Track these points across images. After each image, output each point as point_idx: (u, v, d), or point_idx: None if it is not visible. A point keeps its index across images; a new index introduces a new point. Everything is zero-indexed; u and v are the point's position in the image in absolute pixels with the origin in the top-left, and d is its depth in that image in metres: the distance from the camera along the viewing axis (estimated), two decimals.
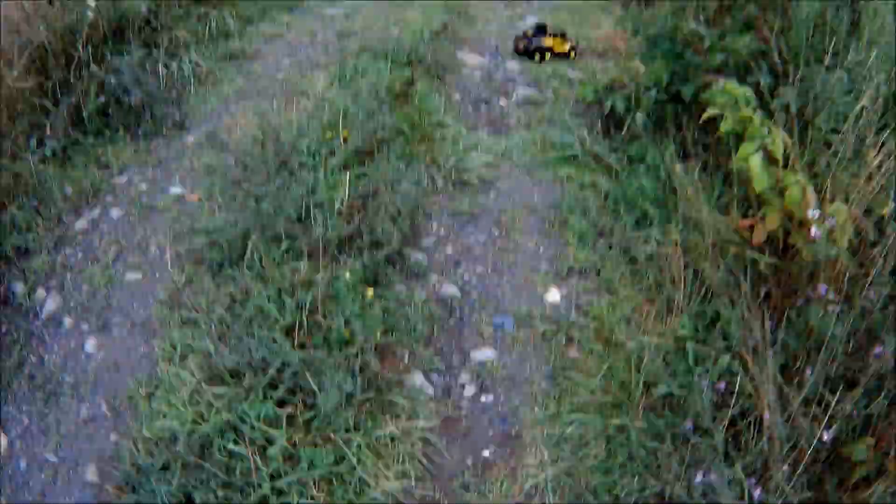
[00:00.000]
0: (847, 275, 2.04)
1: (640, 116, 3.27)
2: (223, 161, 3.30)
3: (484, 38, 4.99)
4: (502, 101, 4.00)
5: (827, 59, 2.73)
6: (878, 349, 1.87)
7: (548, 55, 4.58)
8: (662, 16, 3.94)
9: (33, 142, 3.39)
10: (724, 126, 2.39)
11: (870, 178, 2.20)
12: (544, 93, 4.09)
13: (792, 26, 3.07)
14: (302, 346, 2.25)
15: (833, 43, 2.78)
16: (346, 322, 2.30)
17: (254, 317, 2.35)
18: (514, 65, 4.51)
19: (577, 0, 5.87)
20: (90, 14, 3.96)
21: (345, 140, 3.22)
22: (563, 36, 4.67)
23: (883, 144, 2.26)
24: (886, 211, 2.16)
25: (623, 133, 3.37)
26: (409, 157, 3.26)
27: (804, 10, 3.03)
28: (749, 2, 3.33)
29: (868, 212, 2.19)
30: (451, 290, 2.65)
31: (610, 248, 2.77)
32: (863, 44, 2.85)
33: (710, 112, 2.46)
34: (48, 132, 3.45)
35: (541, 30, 4.70)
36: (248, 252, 2.59)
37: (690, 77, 3.18)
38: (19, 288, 2.71)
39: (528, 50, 4.63)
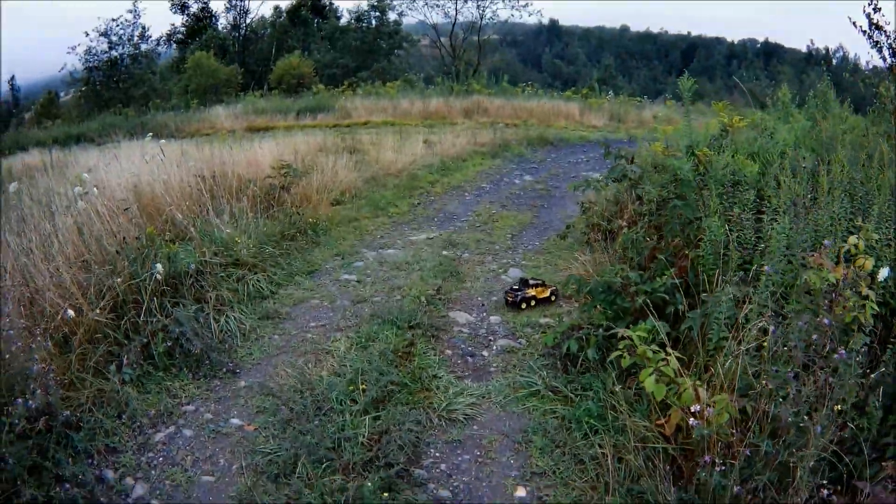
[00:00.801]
0: (729, 442, 2.95)
1: (590, 352, 4.31)
2: (272, 403, 4.25)
3: (472, 296, 6.13)
4: (485, 352, 5.01)
5: (729, 277, 3.78)
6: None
7: (533, 302, 5.74)
8: (604, 269, 5.13)
9: (113, 367, 4.27)
10: (625, 362, 3.42)
11: (745, 372, 3.17)
12: (519, 341, 5.14)
13: (703, 256, 4.19)
14: None
15: (737, 260, 3.90)
16: None
17: None
18: (496, 318, 5.59)
19: (551, 250, 7.36)
20: (158, 275, 5.07)
21: (363, 392, 4.22)
22: (543, 284, 5.86)
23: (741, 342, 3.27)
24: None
25: (578, 367, 4.38)
26: (412, 404, 4.22)
27: (710, 235, 4.15)
28: (675, 237, 4.52)
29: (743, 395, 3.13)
30: (444, 493, 3.50)
31: (563, 455, 3.69)
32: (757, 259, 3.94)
33: (615, 353, 3.50)
34: (125, 361, 4.36)
35: (524, 283, 5.88)
36: (299, 468, 3.53)
37: (623, 317, 4.27)
38: (110, 475, 3.61)
39: (517, 301, 5.73)
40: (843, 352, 2.88)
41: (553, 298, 5.84)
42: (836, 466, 2.86)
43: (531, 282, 5.88)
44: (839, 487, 2.81)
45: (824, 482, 2.73)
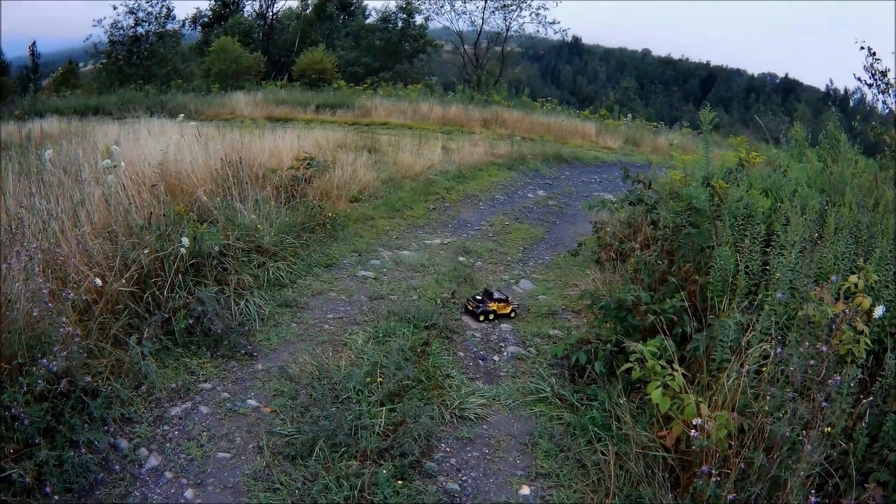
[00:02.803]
0: (725, 455, 3.15)
1: (598, 365, 4.49)
2: (291, 388, 4.42)
3: None
4: (495, 357, 5.20)
5: (736, 303, 3.97)
6: None
7: (492, 316, 5.88)
8: (614, 287, 5.33)
9: (133, 339, 4.38)
10: (635, 374, 3.62)
11: (745, 392, 3.37)
12: (528, 349, 5.33)
13: (712, 282, 4.39)
14: None
15: (744, 288, 4.11)
16: (384, 499, 3.40)
17: (321, 490, 3.44)
18: (506, 326, 5.79)
19: (561, 265, 7.54)
20: (184, 249, 5.21)
21: (380, 384, 4.40)
22: (507, 301, 6.00)
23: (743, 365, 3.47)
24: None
25: (584, 378, 4.58)
26: (426, 400, 4.41)
27: (721, 263, 4.36)
28: (686, 262, 4.72)
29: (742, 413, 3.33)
30: (453, 486, 3.69)
31: (567, 459, 3.89)
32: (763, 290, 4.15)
33: (626, 365, 3.70)
34: (145, 335, 4.49)
35: (489, 295, 5.99)
36: (316, 451, 3.71)
37: (632, 334, 4.46)
38: (124, 444, 3.77)
39: (476, 312, 5.86)
40: (838, 377, 3.08)
41: (513, 315, 6.00)
42: (823, 486, 3.06)
43: (496, 296, 5.99)
44: (827, 502, 3.02)
45: (812, 491, 2.92)
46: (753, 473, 3.06)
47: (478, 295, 6.08)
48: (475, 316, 5.87)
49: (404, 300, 6.07)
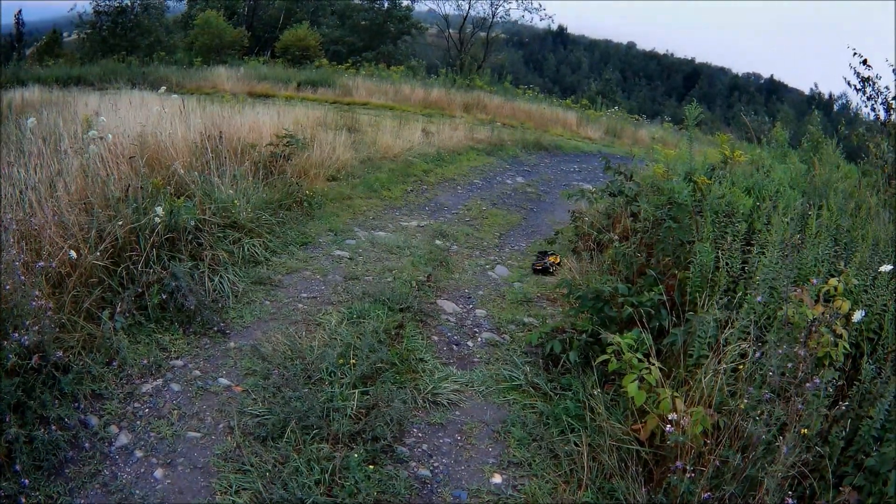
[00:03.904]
0: (700, 452, 3.15)
1: (572, 355, 4.47)
2: (263, 367, 4.36)
3: (460, 287, 6.30)
4: (469, 343, 5.16)
5: (715, 300, 3.98)
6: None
7: (553, 268, 6.78)
8: (591, 277, 5.33)
9: (105, 313, 4.28)
10: (612, 366, 3.60)
11: (721, 389, 3.36)
12: (503, 336, 5.30)
13: (691, 277, 4.40)
14: (326, 493, 3.28)
15: (724, 285, 4.12)
16: (356, 483, 3.35)
17: (291, 472, 3.38)
18: (481, 311, 5.76)
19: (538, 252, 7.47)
20: (158, 220, 5.14)
21: (353, 366, 4.35)
22: (555, 253, 7.13)
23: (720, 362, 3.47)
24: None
25: (559, 368, 4.56)
26: (399, 383, 4.37)
27: (701, 258, 4.36)
28: (666, 256, 4.71)
29: (718, 411, 3.32)
30: (425, 472, 3.65)
31: (540, 448, 3.86)
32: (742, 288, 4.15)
33: (603, 357, 3.68)
34: (118, 309, 4.43)
35: (543, 254, 7.22)
36: (288, 433, 3.66)
37: (609, 326, 4.45)
38: (94, 421, 3.71)
39: (544, 268, 6.85)
40: (818, 380, 3.08)
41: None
42: (797, 487, 3.06)
43: (548, 252, 7.25)
44: None
45: (789, 493, 2.93)
46: (728, 472, 3.05)
47: (538, 255, 7.35)
48: (546, 271, 6.86)
49: (379, 281, 6.02)
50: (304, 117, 12.17)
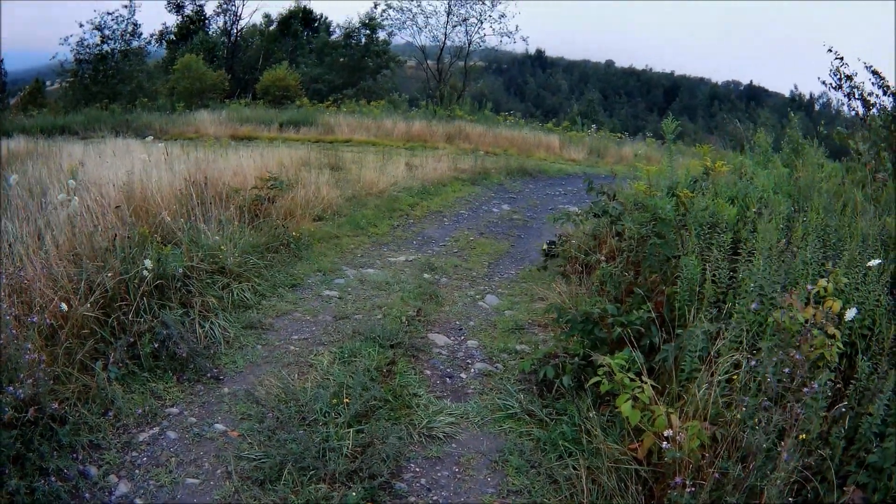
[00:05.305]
0: (699, 466, 3.13)
1: (565, 379, 4.47)
2: (258, 411, 4.35)
3: (450, 320, 6.28)
4: (462, 374, 5.15)
5: (703, 313, 3.98)
6: None
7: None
8: (581, 300, 5.33)
9: (99, 364, 4.29)
10: (604, 387, 3.60)
11: (716, 401, 3.36)
12: (496, 366, 5.29)
13: (679, 292, 4.40)
14: None
15: (713, 298, 4.13)
16: None
17: None
18: (473, 342, 5.74)
19: (527, 279, 7.59)
20: (147, 272, 5.14)
21: (347, 405, 4.34)
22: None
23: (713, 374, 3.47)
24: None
25: (553, 393, 4.55)
26: (393, 420, 4.35)
27: (687, 272, 4.37)
28: (652, 273, 4.72)
29: (714, 423, 3.32)
30: None
31: (539, 475, 3.84)
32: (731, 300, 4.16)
33: (594, 379, 3.68)
34: (111, 360, 4.42)
35: (552, 243, 8.04)
36: (285, 475, 3.64)
37: (600, 347, 4.45)
38: (93, 471, 3.68)
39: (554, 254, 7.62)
40: (816, 385, 3.08)
41: None
42: (800, 490, 3.06)
43: (556, 242, 8.01)
44: None
45: (790, 499, 2.92)
46: (729, 483, 3.04)
47: (548, 244, 8.29)
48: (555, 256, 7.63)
49: (369, 319, 6.01)
50: (287, 158, 12.22)
